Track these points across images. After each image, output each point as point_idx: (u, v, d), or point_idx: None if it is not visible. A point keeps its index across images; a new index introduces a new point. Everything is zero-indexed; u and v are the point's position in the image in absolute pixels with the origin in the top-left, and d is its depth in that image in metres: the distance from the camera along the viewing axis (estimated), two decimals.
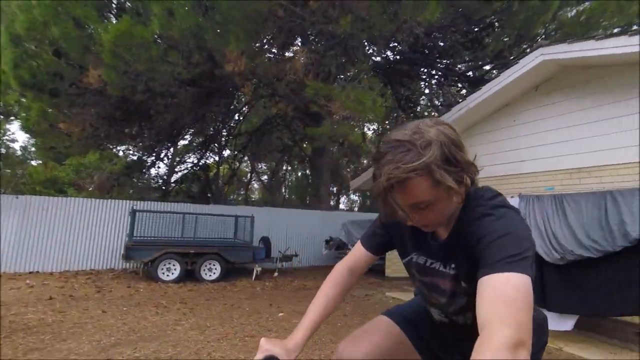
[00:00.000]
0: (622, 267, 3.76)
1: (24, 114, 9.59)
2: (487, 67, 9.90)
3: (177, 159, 15.89)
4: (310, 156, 14.63)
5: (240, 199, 21.81)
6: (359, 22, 5.48)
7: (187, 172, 14.43)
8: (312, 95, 5.82)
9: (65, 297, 5.42)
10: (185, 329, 4.09)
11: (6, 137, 18.19)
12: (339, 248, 9.46)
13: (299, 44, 8.96)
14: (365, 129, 18.36)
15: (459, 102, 6.47)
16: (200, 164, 14.49)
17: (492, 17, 7.86)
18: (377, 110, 5.94)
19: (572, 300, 4.07)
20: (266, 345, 0.96)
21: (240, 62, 5.43)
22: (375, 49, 8.94)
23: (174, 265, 7.01)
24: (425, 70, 10.74)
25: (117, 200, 8.61)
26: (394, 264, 8.24)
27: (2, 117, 15.62)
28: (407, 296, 6.47)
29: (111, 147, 11.77)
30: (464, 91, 11.32)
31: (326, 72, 6.63)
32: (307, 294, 6.44)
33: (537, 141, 5.33)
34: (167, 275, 6.93)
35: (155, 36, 5.92)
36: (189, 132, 13.19)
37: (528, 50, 6.22)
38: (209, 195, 14.01)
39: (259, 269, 7.80)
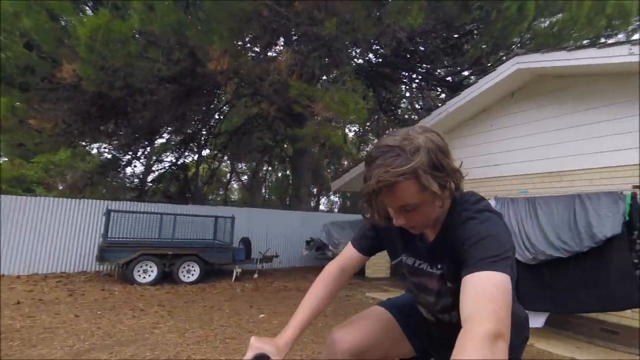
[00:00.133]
0: (589, 267, 3.95)
1: None
2: (466, 73, 10.20)
3: (154, 157, 15.47)
4: (291, 157, 14.60)
5: (219, 199, 21.48)
6: (344, 24, 5.53)
7: (165, 172, 14.08)
8: (296, 96, 5.82)
9: (34, 301, 5.17)
10: (163, 332, 4.00)
11: None
12: (320, 249, 9.48)
13: (282, 44, 8.94)
14: (347, 131, 18.51)
15: (438, 107, 6.64)
16: (179, 163, 14.19)
17: (472, 24, 8.12)
18: (360, 112, 6.01)
19: (543, 298, 4.24)
20: (257, 344, 0.96)
21: (223, 60, 5.36)
22: (359, 51, 9.04)
23: (150, 267, 6.83)
24: (407, 74, 10.96)
25: (90, 200, 8.29)
26: (374, 264, 8.35)
27: None
28: (387, 296, 6.56)
29: (84, 144, 11.33)
30: (443, 95, 11.62)
31: (310, 73, 6.65)
32: (288, 295, 6.42)
33: (512, 146, 5.54)
34: (144, 278, 6.74)
35: (135, 31, 5.75)
36: (168, 131, 12.88)
37: (504, 58, 6.46)
38: (187, 195, 13.73)
39: (239, 270, 7.71)
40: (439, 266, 1.00)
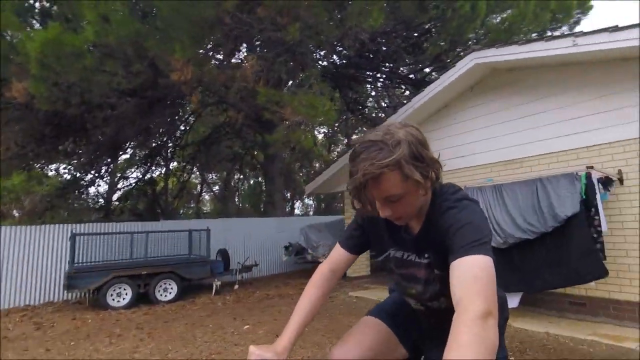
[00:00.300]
0: (554, 246, 4.19)
1: None
2: (427, 70, 10.57)
3: (119, 174, 14.82)
4: (262, 163, 14.48)
5: (191, 212, 20.90)
6: (307, 29, 5.57)
7: (132, 188, 13.53)
8: (265, 103, 5.79)
9: None
10: (144, 355, 3.84)
11: None
12: (299, 253, 9.43)
13: (245, 50, 8.86)
14: (316, 133, 18.61)
15: (404, 104, 6.83)
16: (146, 178, 13.67)
17: (429, 23, 8.44)
18: (328, 113, 6.07)
19: (514, 279, 4.44)
20: (256, 351, 0.98)
21: (187, 70, 5.23)
22: (323, 54, 9.14)
23: (124, 289, 6.53)
24: (371, 73, 11.19)
25: (51, 225, 7.79)
26: (355, 264, 8.41)
27: None
28: (369, 294, 6.65)
29: (40, 166, 10.67)
30: (407, 92, 11.96)
31: (276, 78, 6.64)
32: (271, 304, 6.35)
33: (475, 137, 5.80)
34: (118, 301, 6.44)
35: (89, 44, 5.50)
36: (132, 145, 12.40)
37: (462, 54, 6.76)
38: (157, 211, 13.26)
39: (219, 283, 7.54)
40: (426, 255, 1.05)
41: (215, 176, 21.56)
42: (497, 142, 5.49)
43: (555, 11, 8.70)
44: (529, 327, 4.23)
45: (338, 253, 1.21)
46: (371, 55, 9.65)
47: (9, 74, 5.51)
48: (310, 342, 3.98)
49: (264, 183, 16.59)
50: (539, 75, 5.07)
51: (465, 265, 0.82)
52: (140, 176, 13.85)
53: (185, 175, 15.92)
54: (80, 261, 6.81)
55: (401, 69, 10.81)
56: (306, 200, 24.96)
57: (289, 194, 21.24)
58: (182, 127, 13.71)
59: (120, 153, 12.20)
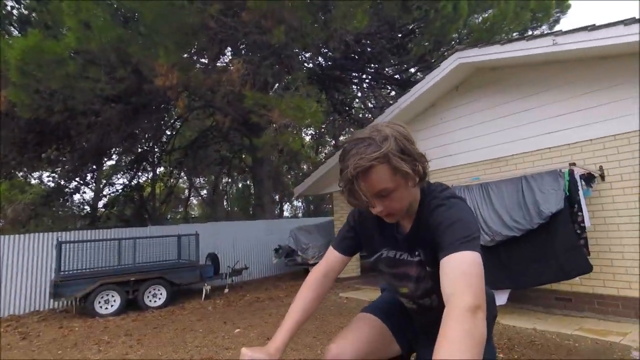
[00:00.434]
0: (539, 242, 4.26)
1: None
2: (413, 70, 10.68)
3: (105, 181, 14.56)
4: (250, 166, 14.40)
5: (179, 217, 20.66)
6: (292, 31, 5.58)
7: (118, 195, 13.31)
8: (251, 106, 5.77)
9: None
10: None
11: None
12: (289, 255, 9.41)
13: (231, 54, 8.82)
14: (303, 135, 18.61)
15: (390, 104, 6.88)
16: (132, 184, 13.47)
17: (413, 24, 8.53)
18: (316, 115, 6.08)
19: (502, 277, 4.51)
20: (249, 353, 0.98)
21: (172, 75, 5.18)
22: (309, 56, 9.15)
23: (112, 296, 6.42)
24: (357, 74, 11.26)
25: (35, 234, 7.63)
26: None
27: None
28: (359, 294, 6.68)
29: (22, 175, 10.42)
30: (393, 93, 12.07)
31: (262, 81, 6.62)
32: (261, 307, 6.32)
33: (461, 136, 5.88)
34: (106, 308, 6.33)
35: (71, 51, 5.39)
36: (117, 152, 12.20)
37: (446, 54, 6.85)
38: (145, 216, 13.07)
39: (208, 287, 7.47)
40: (417, 253, 1.08)
41: (203, 180, 21.36)
42: (482, 141, 5.58)
43: (535, 10, 8.91)
44: (517, 323, 4.29)
45: (332, 255, 1.22)
46: (356, 57, 9.72)
47: None
48: (302, 344, 3.98)
49: (252, 186, 16.52)
50: (521, 74, 5.17)
51: (455, 261, 0.85)
52: (127, 182, 13.65)
53: (172, 180, 15.74)
54: (66, 269, 6.68)
55: (386, 69, 10.90)
56: (295, 203, 24.91)
57: (277, 197, 21.17)
58: (168, 132, 13.56)
59: (105, 159, 11.99)
